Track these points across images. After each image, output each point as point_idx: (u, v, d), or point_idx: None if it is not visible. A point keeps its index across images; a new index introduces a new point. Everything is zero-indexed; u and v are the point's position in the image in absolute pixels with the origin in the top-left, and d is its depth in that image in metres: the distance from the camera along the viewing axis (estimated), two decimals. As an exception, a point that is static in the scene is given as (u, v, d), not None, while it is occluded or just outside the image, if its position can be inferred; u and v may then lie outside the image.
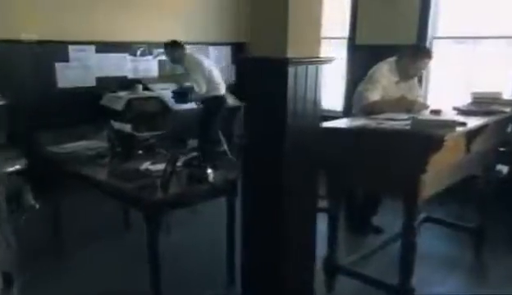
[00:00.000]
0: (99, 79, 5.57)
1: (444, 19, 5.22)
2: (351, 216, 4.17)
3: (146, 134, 3.31)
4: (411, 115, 2.96)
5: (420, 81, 5.18)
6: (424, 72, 5.24)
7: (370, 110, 3.41)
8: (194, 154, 3.06)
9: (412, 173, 2.54)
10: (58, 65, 5.21)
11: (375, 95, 3.52)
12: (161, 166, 2.85)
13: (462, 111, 3.14)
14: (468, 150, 2.99)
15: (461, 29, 5.08)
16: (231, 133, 6.17)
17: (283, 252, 2.61)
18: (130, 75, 5.89)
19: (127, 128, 3.21)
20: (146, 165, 2.87)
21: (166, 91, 5.70)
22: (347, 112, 5.22)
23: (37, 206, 4.37)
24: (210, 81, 5.48)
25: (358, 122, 3.02)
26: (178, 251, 3.60)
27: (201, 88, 5.34)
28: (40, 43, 4.98)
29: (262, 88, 2.40)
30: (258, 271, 2.79)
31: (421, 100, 3.65)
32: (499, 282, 3.41)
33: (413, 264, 2.74)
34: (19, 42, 4.84)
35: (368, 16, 5.73)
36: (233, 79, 6.51)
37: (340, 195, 3.06)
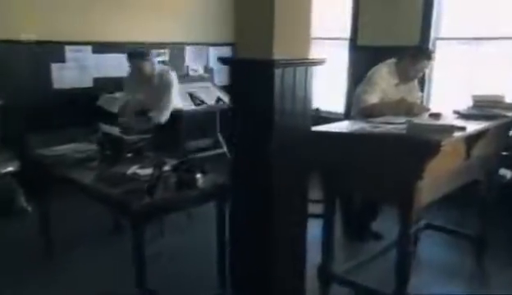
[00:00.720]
0: (96, 80, 5.50)
1: (447, 20, 5.10)
2: (349, 222, 4.07)
3: (135, 137, 3.22)
4: (408, 119, 2.86)
5: (422, 83, 5.12)
6: (427, 74, 5.17)
7: (368, 113, 3.32)
8: (184, 158, 2.95)
9: (407, 179, 2.44)
10: (54, 66, 5.15)
11: (373, 98, 3.43)
12: (149, 170, 2.76)
13: (462, 115, 3.03)
14: (467, 155, 2.88)
15: (464, 30, 4.95)
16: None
17: (271, 255, 2.54)
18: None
19: (116, 131, 3.12)
20: (133, 169, 2.78)
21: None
22: (348, 114, 5.12)
23: (29, 208, 4.32)
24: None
25: (354, 126, 2.93)
26: (171, 254, 3.59)
27: (164, 116, 4.24)
28: (36, 43, 4.92)
29: (248, 90, 2.32)
30: (246, 275, 2.74)
31: (421, 102, 3.53)
32: (499, 291, 3.31)
33: (409, 273, 2.65)
34: (14, 42, 4.79)
35: (369, 17, 5.62)
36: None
37: (335, 200, 2.95)
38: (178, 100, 4.58)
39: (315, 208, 3.10)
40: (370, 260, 3.45)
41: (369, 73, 3.62)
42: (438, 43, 5.15)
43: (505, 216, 4.29)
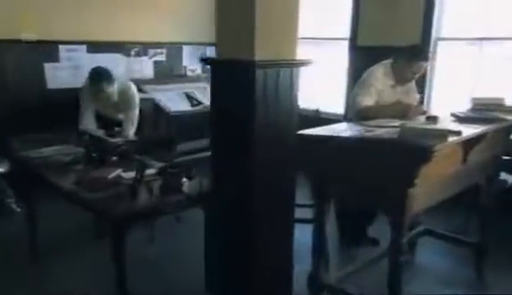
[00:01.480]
0: (91, 80, 5.39)
1: (449, 19, 4.96)
2: (344, 227, 3.95)
3: (120, 140, 3.13)
4: (402, 122, 2.75)
5: (423, 85, 4.99)
6: (427, 75, 5.05)
7: (363, 115, 3.22)
8: (169, 162, 2.85)
9: (399, 186, 2.33)
10: (48, 66, 5.06)
11: (368, 100, 3.32)
12: (133, 174, 2.67)
13: (459, 118, 2.91)
14: (465, 160, 2.76)
15: (467, 31, 4.81)
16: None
17: (251, 263, 2.46)
18: (125, 76, 5.69)
19: (100, 133, 3.03)
20: (116, 173, 2.68)
21: (160, 93, 5.53)
22: (347, 116, 5.01)
23: (18, 209, 4.25)
24: None
25: (346, 129, 2.83)
26: (161, 258, 3.55)
27: (132, 131, 4.01)
28: (29, 42, 4.84)
29: (229, 91, 2.22)
30: (228, 282, 2.66)
31: (417, 105, 3.41)
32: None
33: (401, 283, 2.53)
34: (7, 41, 4.71)
35: (369, 17, 5.49)
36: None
37: (326, 205, 2.84)
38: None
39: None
40: (364, 267, 3.34)
41: (364, 74, 3.51)
42: (440, 43, 5.02)
43: (507, 222, 4.16)
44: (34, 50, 4.91)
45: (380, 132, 2.60)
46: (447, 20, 4.97)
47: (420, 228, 3.77)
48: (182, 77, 6.12)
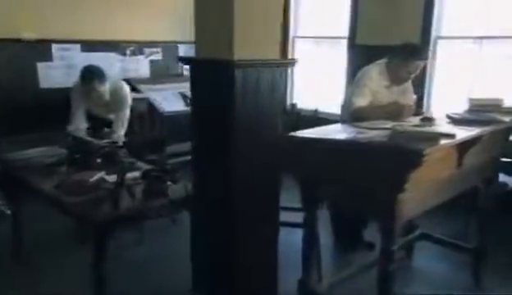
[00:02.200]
0: (85, 80, 5.32)
1: (449, 18, 4.84)
2: (339, 230, 3.85)
3: (103, 141, 3.04)
4: (395, 124, 2.66)
5: (422, 84, 4.88)
6: (427, 74, 4.94)
7: (357, 116, 3.12)
8: (153, 165, 2.77)
9: (388, 191, 2.23)
10: (40, 65, 4.99)
11: (361, 101, 3.22)
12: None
13: (455, 120, 2.80)
14: (460, 164, 2.66)
15: (467, 29, 4.69)
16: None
17: (233, 267, 2.39)
18: (120, 76, 5.62)
19: (82, 133, 2.95)
20: (98, 176, 2.60)
21: (155, 92, 5.45)
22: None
23: (8, 211, 4.16)
24: None
25: (337, 131, 2.73)
26: (149, 260, 3.47)
27: (123, 132, 3.91)
28: (21, 41, 4.76)
29: (208, 91, 2.15)
30: (212, 286, 2.59)
31: (413, 105, 3.31)
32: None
33: (392, 292, 2.43)
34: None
35: (368, 15, 5.39)
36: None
37: (316, 209, 2.74)
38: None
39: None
40: (359, 273, 3.24)
41: (359, 74, 3.41)
42: (440, 42, 4.90)
43: (507, 226, 4.05)
44: (27, 49, 4.84)
45: (371, 134, 2.49)
46: (447, 18, 4.85)
47: (417, 232, 3.66)
48: (178, 76, 6.03)
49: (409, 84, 3.47)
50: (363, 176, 2.34)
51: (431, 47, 4.88)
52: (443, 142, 2.27)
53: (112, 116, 3.97)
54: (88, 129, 3.68)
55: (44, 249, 3.64)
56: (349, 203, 2.56)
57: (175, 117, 5.22)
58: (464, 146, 2.57)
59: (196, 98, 2.26)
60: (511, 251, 3.81)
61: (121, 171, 2.44)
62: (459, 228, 4.00)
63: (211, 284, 2.61)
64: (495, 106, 2.98)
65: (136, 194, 2.54)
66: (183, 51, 6.13)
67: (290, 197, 2.98)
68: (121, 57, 5.66)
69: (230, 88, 2.00)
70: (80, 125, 3.71)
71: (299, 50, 6.36)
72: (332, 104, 5.79)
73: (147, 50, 5.86)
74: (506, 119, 2.84)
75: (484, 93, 4.42)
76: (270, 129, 2.28)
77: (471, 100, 3.07)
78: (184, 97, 5.62)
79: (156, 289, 3.13)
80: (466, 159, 2.66)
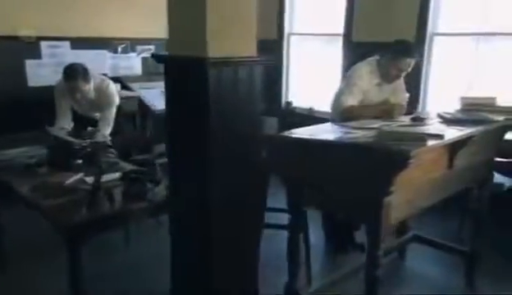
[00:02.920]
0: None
1: (445, 14, 4.73)
2: (330, 231, 3.77)
3: (85, 141, 2.96)
4: (383, 124, 2.57)
5: (417, 82, 4.79)
6: (423, 72, 4.84)
7: (346, 115, 3.04)
8: (134, 168, 2.68)
9: (374, 194, 2.14)
10: (29, 63, 4.90)
11: (351, 99, 3.13)
12: (103, 178, 2.52)
13: (446, 120, 2.71)
14: (451, 165, 2.57)
15: (464, 26, 4.59)
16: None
17: (211, 272, 2.30)
18: (111, 73, 5.55)
19: (62, 133, 2.86)
20: (75, 178, 2.52)
21: (147, 90, 5.37)
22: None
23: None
24: None
25: (325, 131, 2.64)
26: (131, 262, 3.40)
27: (108, 132, 3.76)
28: (8, 38, 4.68)
29: (182, 90, 2.07)
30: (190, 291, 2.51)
31: (404, 104, 3.22)
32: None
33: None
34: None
35: (364, 11, 5.29)
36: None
37: (301, 211, 2.66)
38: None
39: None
40: (350, 275, 3.16)
41: (349, 71, 3.32)
42: (436, 38, 4.80)
43: (502, 228, 3.97)
44: (14, 46, 4.75)
45: (358, 134, 2.41)
46: (444, 14, 4.74)
47: (410, 234, 3.58)
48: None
49: (400, 83, 3.37)
50: (348, 178, 2.25)
51: (427, 44, 4.78)
52: (431, 143, 2.18)
53: (97, 115, 3.87)
54: (73, 128, 3.58)
55: (27, 254, 3.52)
56: (335, 206, 2.47)
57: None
58: (455, 146, 2.48)
59: (170, 97, 2.17)
60: (506, 252, 3.72)
61: (98, 173, 2.35)
62: (454, 229, 3.92)
63: (189, 286, 2.52)
64: (487, 105, 2.89)
65: (115, 197, 2.45)
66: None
67: (280, 198, 2.90)
68: (112, 55, 5.57)
69: (204, 87, 1.91)
70: (64, 125, 3.61)
71: (295, 47, 6.27)
72: (328, 102, 5.70)
73: (139, 47, 5.78)
74: (499, 118, 2.75)
75: (481, 91, 4.34)
76: (249, 129, 2.19)
77: (463, 99, 2.97)
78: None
79: (136, 291, 3.07)
80: (457, 160, 2.57)
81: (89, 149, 2.88)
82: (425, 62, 4.82)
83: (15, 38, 4.73)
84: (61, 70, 4.94)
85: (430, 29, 4.78)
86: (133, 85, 5.55)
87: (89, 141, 2.98)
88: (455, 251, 3.42)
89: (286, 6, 6.16)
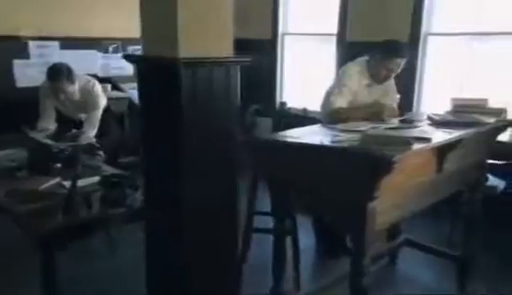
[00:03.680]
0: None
1: (440, 14, 4.65)
2: (320, 235, 3.69)
3: (62, 144, 2.88)
4: (373, 126, 2.49)
5: (412, 83, 4.71)
6: (417, 72, 4.76)
7: (335, 117, 2.97)
8: (115, 171, 2.61)
9: (357, 199, 2.06)
10: (17, 63, 4.83)
11: (340, 101, 3.06)
12: (81, 182, 2.45)
13: (435, 122, 2.63)
14: (440, 168, 2.48)
15: (459, 25, 4.50)
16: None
17: (186, 278, 2.22)
18: (102, 74, 5.48)
19: (40, 136, 2.78)
20: (52, 183, 2.44)
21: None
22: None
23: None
24: None
25: (312, 133, 2.55)
26: (116, 267, 3.28)
27: (93, 134, 3.66)
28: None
29: (154, 91, 2.01)
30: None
31: (395, 106, 3.14)
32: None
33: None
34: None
35: (358, 11, 5.21)
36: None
37: (285, 215, 2.58)
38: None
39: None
40: (337, 282, 3.07)
41: (339, 72, 3.25)
42: (430, 38, 4.72)
43: (496, 231, 3.89)
44: (2, 46, 4.67)
45: (343, 138, 2.33)
46: (438, 14, 4.66)
47: (401, 238, 3.50)
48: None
49: (391, 83, 3.30)
50: (332, 183, 2.17)
51: (421, 44, 4.70)
52: (417, 147, 2.10)
53: (83, 116, 3.79)
54: (56, 129, 3.50)
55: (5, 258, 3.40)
56: (320, 211, 2.40)
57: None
58: (444, 150, 2.40)
59: (143, 99, 2.10)
60: (499, 256, 3.65)
61: (74, 178, 2.27)
62: (446, 233, 3.84)
63: (164, 287, 2.45)
64: (479, 106, 2.81)
65: (92, 202, 2.37)
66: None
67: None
68: (102, 55, 5.50)
69: (175, 88, 1.83)
70: (48, 126, 3.53)
71: (290, 47, 6.19)
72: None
73: (130, 47, 5.69)
74: (490, 120, 2.67)
75: (476, 91, 4.27)
76: (225, 130, 2.11)
77: (454, 100, 2.89)
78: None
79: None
80: (447, 163, 2.48)
81: (66, 152, 2.79)
82: (419, 62, 4.74)
83: (4, 38, 4.65)
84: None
85: (424, 28, 4.70)
86: (124, 86, 5.49)
87: (68, 144, 2.90)
88: (447, 255, 3.34)
89: (280, 5, 6.09)
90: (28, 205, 2.26)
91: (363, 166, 2.02)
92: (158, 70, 1.93)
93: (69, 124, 3.68)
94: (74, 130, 3.47)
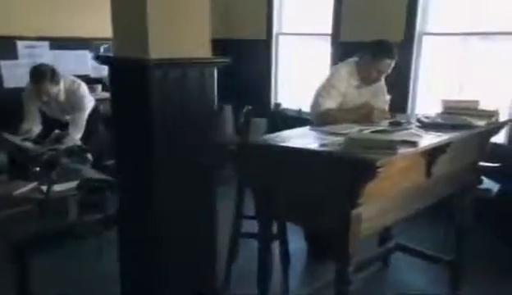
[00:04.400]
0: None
1: (435, 13, 4.57)
2: (312, 240, 3.61)
3: (41, 148, 2.80)
4: (358, 129, 2.42)
5: (406, 83, 4.63)
6: (412, 72, 4.68)
7: (324, 119, 2.89)
8: (95, 176, 2.53)
9: (341, 206, 1.98)
10: (4, 63, 4.75)
11: (328, 102, 2.99)
12: (58, 187, 2.37)
13: (424, 124, 2.55)
14: (429, 173, 2.41)
15: (454, 25, 4.43)
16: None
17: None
18: (94, 74, 5.40)
19: (18, 140, 2.71)
20: (28, 188, 2.37)
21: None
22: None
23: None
24: None
25: (298, 136, 2.48)
26: (102, 271, 3.09)
27: (79, 136, 3.60)
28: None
29: (125, 93, 1.95)
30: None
31: (385, 107, 3.06)
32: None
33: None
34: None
35: (352, 11, 5.13)
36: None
37: (269, 222, 2.50)
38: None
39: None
40: (327, 287, 2.99)
41: (329, 72, 3.17)
42: (425, 38, 4.64)
43: (491, 234, 3.82)
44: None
45: (329, 141, 2.25)
46: (433, 14, 4.58)
47: (392, 242, 3.43)
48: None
49: (381, 85, 3.22)
50: (314, 189, 2.09)
51: (415, 44, 4.62)
52: (403, 151, 2.02)
53: (68, 118, 3.72)
54: (41, 131, 3.42)
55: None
56: (302, 218, 2.31)
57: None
58: (433, 153, 2.32)
59: (115, 101, 2.03)
60: (492, 260, 3.58)
61: (49, 182, 2.19)
62: (440, 237, 3.76)
63: (138, 289, 2.38)
64: (470, 108, 2.73)
65: (71, 208, 2.29)
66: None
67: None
68: (93, 55, 5.42)
69: (146, 89, 1.76)
70: (31, 127, 3.45)
71: (284, 47, 6.12)
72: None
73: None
74: (481, 122, 2.58)
75: (471, 92, 4.20)
76: (199, 134, 2.04)
77: (445, 102, 2.81)
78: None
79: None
80: (436, 167, 2.41)
81: (45, 156, 2.71)
82: (414, 62, 4.66)
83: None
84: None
85: (419, 28, 4.62)
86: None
87: (47, 147, 2.82)
88: (439, 260, 3.27)
89: (275, 5, 6.01)
90: (3, 211, 2.19)
91: (346, 171, 1.95)
92: (129, 71, 1.86)
93: (55, 125, 3.59)
94: (57, 131, 3.38)
